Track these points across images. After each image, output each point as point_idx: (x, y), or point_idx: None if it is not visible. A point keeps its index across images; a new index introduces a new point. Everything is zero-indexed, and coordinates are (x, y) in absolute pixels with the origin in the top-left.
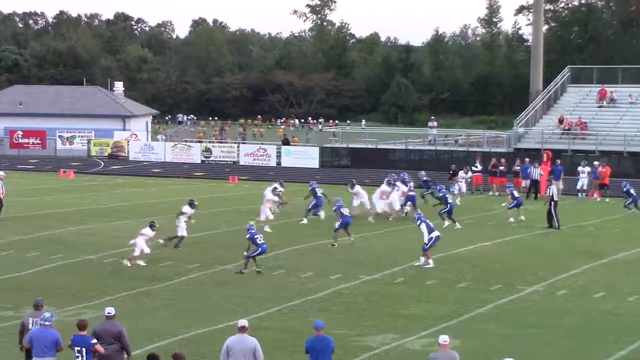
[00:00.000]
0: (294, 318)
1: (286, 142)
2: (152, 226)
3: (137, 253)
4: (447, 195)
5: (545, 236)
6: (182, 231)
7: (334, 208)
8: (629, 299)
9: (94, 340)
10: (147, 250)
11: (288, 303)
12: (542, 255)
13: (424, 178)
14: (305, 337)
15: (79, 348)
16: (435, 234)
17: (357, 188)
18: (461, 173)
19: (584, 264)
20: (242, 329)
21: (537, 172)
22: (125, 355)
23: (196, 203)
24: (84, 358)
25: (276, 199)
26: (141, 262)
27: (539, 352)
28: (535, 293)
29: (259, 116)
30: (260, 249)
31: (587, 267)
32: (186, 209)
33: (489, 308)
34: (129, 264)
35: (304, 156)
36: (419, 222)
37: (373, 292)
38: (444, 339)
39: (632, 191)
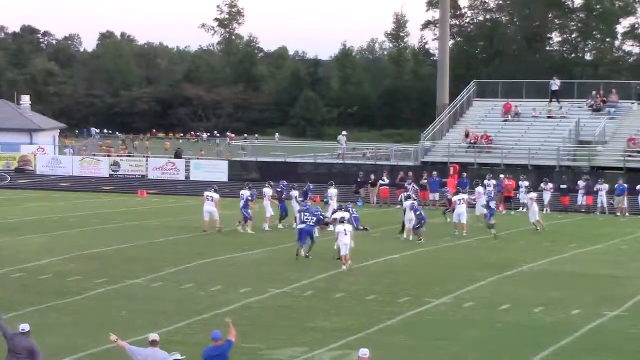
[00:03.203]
0: (203, 332)
1: (178, 156)
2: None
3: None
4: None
5: (452, 249)
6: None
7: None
8: (534, 310)
9: None
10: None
11: (197, 317)
12: (449, 268)
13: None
14: None
15: None
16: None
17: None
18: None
19: (490, 276)
20: (154, 343)
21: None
22: None
23: None
24: None
25: None
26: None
27: None
28: (442, 305)
29: (153, 130)
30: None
31: (493, 279)
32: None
33: (397, 320)
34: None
35: (212, 170)
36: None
37: (282, 306)
38: (363, 352)
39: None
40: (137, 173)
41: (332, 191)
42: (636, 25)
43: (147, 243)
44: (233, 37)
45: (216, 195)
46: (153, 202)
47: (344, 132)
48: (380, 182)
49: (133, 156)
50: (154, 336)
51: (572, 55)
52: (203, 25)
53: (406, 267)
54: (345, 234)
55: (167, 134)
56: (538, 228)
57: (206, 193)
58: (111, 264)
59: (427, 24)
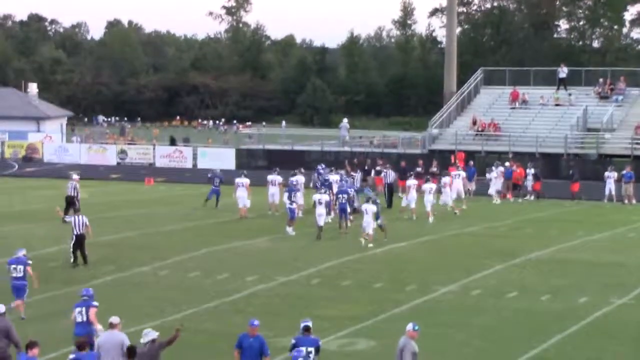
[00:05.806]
0: (210, 320)
1: (173, 142)
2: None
3: None
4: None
5: (459, 237)
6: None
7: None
8: (541, 298)
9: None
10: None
11: (204, 305)
12: (456, 256)
13: None
14: (221, 339)
15: None
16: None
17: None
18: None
19: (497, 264)
20: (112, 326)
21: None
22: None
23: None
24: None
25: None
26: None
27: (453, 351)
28: (449, 293)
29: (178, 117)
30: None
31: (500, 267)
32: None
33: (405, 308)
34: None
35: (219, 158)
36: None
37: (289, 293)
38: (409, 327)
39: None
40: (144, 161)
41: (334, 177)
42: None
43: (155, 231)
44: (240, 25)
45: (247, 180)
46: (160, 190)
47: (345, 119)
48: (377, 169)
49: (141, 144)
50: (113, 319)
51: (580, 42)
52: (210, 13)
53: (413, 255)
54: (367, 214)
55: (182, 122)
56: (456, 212)
57: (237, 180)
58: (118, 252)
59: (434, 12)
